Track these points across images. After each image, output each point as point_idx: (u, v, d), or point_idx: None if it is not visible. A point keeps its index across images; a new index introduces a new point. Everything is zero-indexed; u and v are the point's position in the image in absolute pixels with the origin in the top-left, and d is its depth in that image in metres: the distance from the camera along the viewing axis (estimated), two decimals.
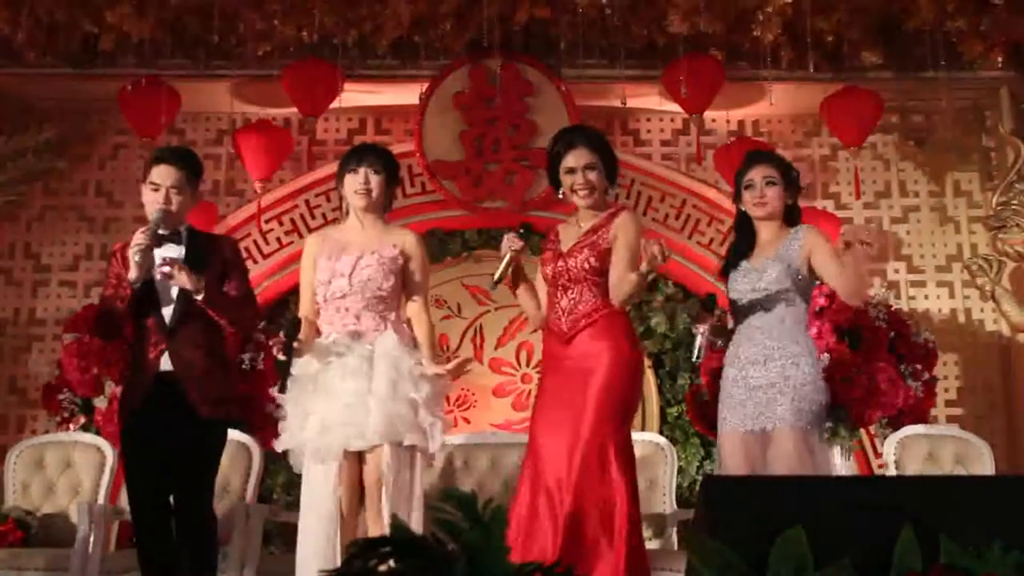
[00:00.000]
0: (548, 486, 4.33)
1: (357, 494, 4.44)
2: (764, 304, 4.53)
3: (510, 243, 4.54)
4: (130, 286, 4.37)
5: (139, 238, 4.34)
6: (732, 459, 4.46)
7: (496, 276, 4.56)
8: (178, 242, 4.48)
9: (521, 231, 4.61)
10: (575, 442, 4.34)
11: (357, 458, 4.42)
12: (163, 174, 4.51)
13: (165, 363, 4.41)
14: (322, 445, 4.37)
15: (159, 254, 4.43)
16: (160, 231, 4.43)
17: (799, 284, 4.55)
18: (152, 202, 4.49)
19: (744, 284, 4.58)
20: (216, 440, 4.57)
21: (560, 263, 4.57)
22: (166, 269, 4.34)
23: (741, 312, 4.60)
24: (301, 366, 4.49)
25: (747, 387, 4.47)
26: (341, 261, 4.56)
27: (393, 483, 4.35)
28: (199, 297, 4.36)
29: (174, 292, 4.44)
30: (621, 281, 4.48)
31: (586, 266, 4.53)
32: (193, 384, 4.41)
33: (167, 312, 4.44)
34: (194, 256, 4.48)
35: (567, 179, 4.64)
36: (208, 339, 4.51)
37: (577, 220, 4.71)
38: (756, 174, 4.69)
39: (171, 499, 4.44)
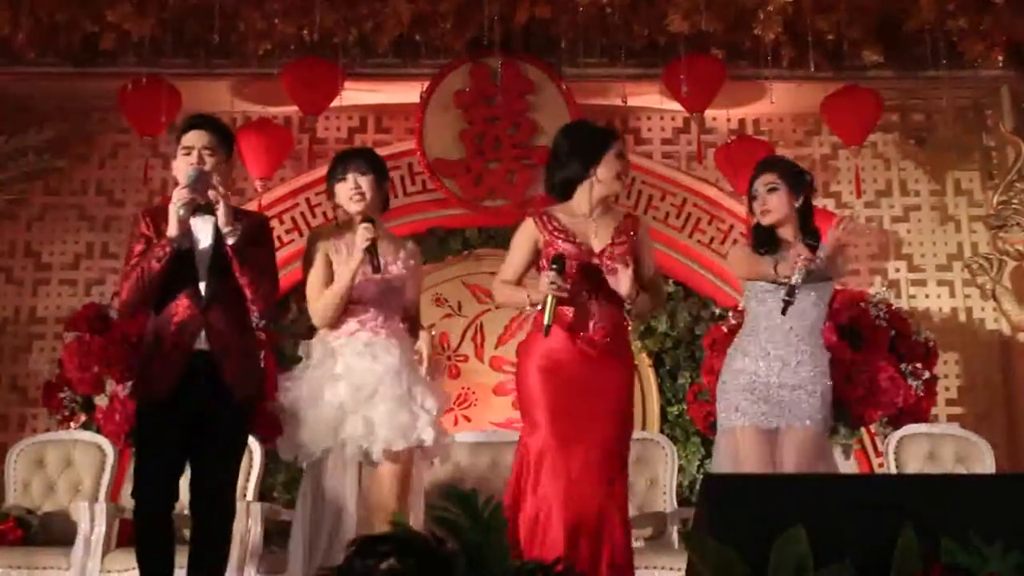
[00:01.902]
0: (568, 493, 4.25)
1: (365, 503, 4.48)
2: (801, 305, 4.51)
3: (552, 285, 4.25)
4: (168, 244, 4.23)
5: (181, 193, 4.22)
6: (751, 454, 4.45)
7: (547, 323, 4.28)
8: (211, 212, 4.33)
9: (555, 267, 4.28)
10: (602, 451, 4.32)
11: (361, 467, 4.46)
12: (194, 138, 4.43)
13: (200, 342, 4.27)
14: (363, 442, 4.38)
15: (192, 224, 4.33)
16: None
17: (827, 293, 4.66)
18: (185, 165, 4.37)
19: (773, 287, 4.57)
20: (248, 423, 4.48)
21: (595, 261, 4.43)
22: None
23: (769, 311, 4.58)
24: (323, 360, 4.46)
25: (770, 384, 4.48)
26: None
27: (416, 483, 4.51)
28: (231, 241, 4.24)
29: (207, 266, 4.31)
30: (654, 295, 4.60)
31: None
32: (229, 363, 4.29)
33: (202, 285, 4.31)
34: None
35: (617, 163, 4.52)
36: (241, 315, 4.41)
37: (587, 213, 4.53)
38: (759, 183, 4.72)
39: (175, 490, 4.35)
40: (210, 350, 4.29)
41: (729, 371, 4.63)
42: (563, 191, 4.61)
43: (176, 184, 4.39)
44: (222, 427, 4.32)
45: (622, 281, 4.35)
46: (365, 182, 4.62)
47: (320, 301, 4.58)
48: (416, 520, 4.38)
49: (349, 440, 4.36)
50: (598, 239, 4.50)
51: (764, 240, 4.71)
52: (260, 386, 4.53)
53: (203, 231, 4.36)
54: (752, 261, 4.67)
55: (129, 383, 6.45)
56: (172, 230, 4.24)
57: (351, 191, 4.61)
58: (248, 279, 4.34)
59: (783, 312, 4.44)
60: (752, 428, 4.48)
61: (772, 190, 4.67)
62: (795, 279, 4.38)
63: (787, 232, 4.70)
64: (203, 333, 4.29)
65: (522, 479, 4.36)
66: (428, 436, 4.46)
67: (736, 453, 4.51)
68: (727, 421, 4.58)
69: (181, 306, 4.30)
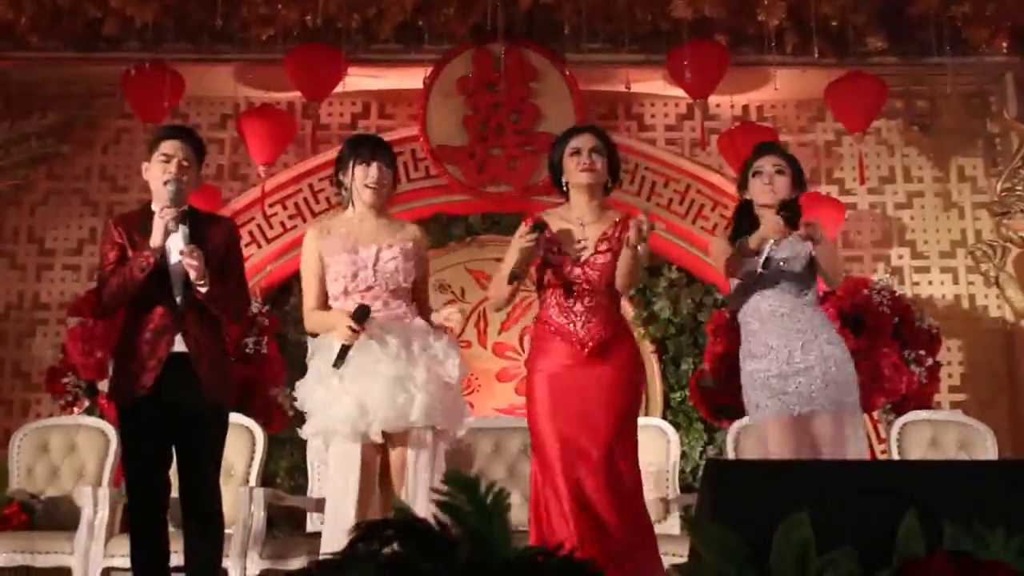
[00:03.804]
0: (581, 488, 4.26)
1: (375, 478, 4.45)
2: (787, 291, 4.52)
3: (526, 240, 4.33)
4: (152, 255, 4.30)
5: (169, 211, 4.29)
6: (780, 445, 4.44)
7: (512, 273, 4.39)
8: (182, 221, 4.38)
9: (535, 229, 4.37)
10: (609, 448, 4.32)
11: (378, 445, 4.41)
12: (174, 146, 4.48)
13: (178, 344, 4.35)
14: (360, 424, 4.32)
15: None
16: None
17: (812, 272, 4.65)
18: (163, 173, 4.43)
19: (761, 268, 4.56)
20: (224, 422, 4.53)
21: (579, 271, 4.45)
22: (185, 254, 4.28)
23: (760, 300, 4.57)
24: (322, 350, 4.46)
25: (784, 374, 4.47)
26: (361, 253, 4.51)
27: (430, 465, 4.39)
28: (202, 289, 4.33)
29: (181, 278, 4.38)
30: (620, 268, 4.47)
31: (608, 279, 4.48)
32: (205, 366, 4.37)
33: (177, 293, 4.39)
34: (196, 237, 4.42)
35: (571, 160, 4.54)
36: (213, 322, 4.48)
37: (578, 219, 4.56)
38: (766, 162, 4.71)
39: (166, 484, 4.43)
40: (187, 352, 4.37)
41: (745, 374, 4.65)
42: (566, 196, 4.66)
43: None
44: (198, 426, 4.39)
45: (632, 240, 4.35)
46: (388, 176, 4.62)
47: (309, 320, 4.61)
48: (420, 502, 4.33)
49: (342, 421, 4.35)
50: (585, 247, 4.51)
51: (746, 225, 4.69)
52: (234, 388, 4.59)
53: (173, 243, 4.40)
54: (728, 259, 4.62)
55: None
56: (156, 240, 4.32)
57: (373, 180, 4.56)
58: (220, 310, 4.49)
59: (755, 281, 4.45)
60: (778, 420, 4.47)
61: (780, 172, 4.67)
62: (766, 251, 4.41)
63: (774, 218, 4.66)
64: (179, 337, 4.38)
65: (539, 491, 4.37)
66: (448, 420, 4.42)
67: (766, 444, 4.52)
68: (753, 418, 4.63)
69: (157, 314, 4.39)
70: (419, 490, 4.32)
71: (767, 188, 4.66)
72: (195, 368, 4.36)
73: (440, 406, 4.41)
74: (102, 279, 4.46)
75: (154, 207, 4.43)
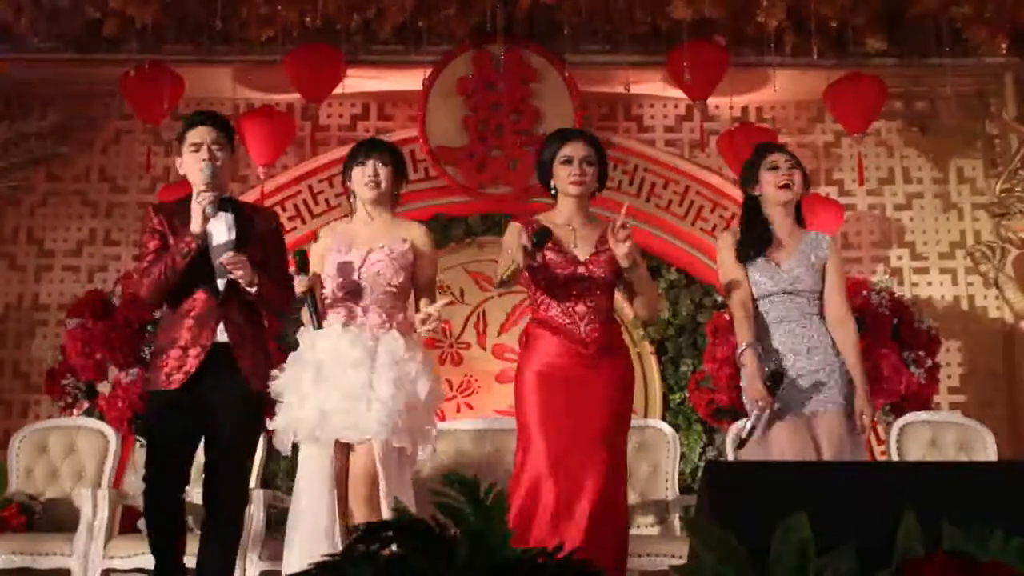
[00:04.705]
0: (568, 488, 4.22)
1: (344, 485, 4.43)
2: (796, 302, 4.51)
3: (524, 255, 4.26)
4: (194, 240, 4.25)
5: (206, 195, 4.25)
6: (788, 444, 4.41)
7: (500, 278, 4.33)
8: (225, 210, 4.37)
9: (535, 239, 4.30)
10: (600, 447, 4.30)
11: (345, 449, 4.42)
12: (202, 133, 4.43)
13: (220, 334, 4.31)
14: (317, 430, 4.36)
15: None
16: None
17: (821, 283, 4.60)
18: (195, 162, 4.37)
19: (771, 284, 4.54)
20: (263, 415, 4.50)
21: (580, 270, 4.46)
22: (229, 259, 4.25)
23: (769, 307, 4.56)
24: (304, 349, 4.49)
25: (789, 376, 4.45)
26: (351, 255, 4.55)
27: (384, 479, 4.34)
28: (252, 290, 4.30)
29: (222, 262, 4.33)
30: (650, 294, 4.61)
31: (610, 279, 4.50)
32: (246, 354, 4.34)
33: (220, 281, 4.34)
34: (240, 227, 4.41)
35: (562, 169, 4.54)
36: (255, 310, 4.45)
37: (567, 223, 4.56)
38: (778, 157, 4.65)
39: (187, 480, 4.37)
40: (229, 342, 4.33)
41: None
42: (554, 197, 4.68)
43: (178, 175, 4.45)
44: (237, 417, 4.34)
45: (620, 253, 4.37)
46: (384, 172, 4.66)
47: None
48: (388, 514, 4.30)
49: (301, 424, 4.37)
50: (582, 248, 4.52)
51: (755, 232, 4.65)
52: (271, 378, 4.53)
53: (216, 229, 4.38)
54: (734, 279, 4.61)
55: (132, 370, 6.47)
56: (197, 226, 4.27)
57: (369, 178, 4.63)
58: (268, 310, 4.53)
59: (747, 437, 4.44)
60: (784, 420, 4.44)
61: (795, 167, 4.64)
62: (748, 430, 4.40)
63: (784, 227, 4.66)
64: (222, 325, 4.33)
65: (519, 495, 4.31)
66: (405, 439, 4.38)
67: (768, 444, 4.49)
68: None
69: (198, 301, 4.34)
70: (386, 502, 4.32)
71: (785, 182, 4.61)
72: (236, 359, 4.32)
73: (400, 423, 4.37)
74: (143, 271, 4.39)
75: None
